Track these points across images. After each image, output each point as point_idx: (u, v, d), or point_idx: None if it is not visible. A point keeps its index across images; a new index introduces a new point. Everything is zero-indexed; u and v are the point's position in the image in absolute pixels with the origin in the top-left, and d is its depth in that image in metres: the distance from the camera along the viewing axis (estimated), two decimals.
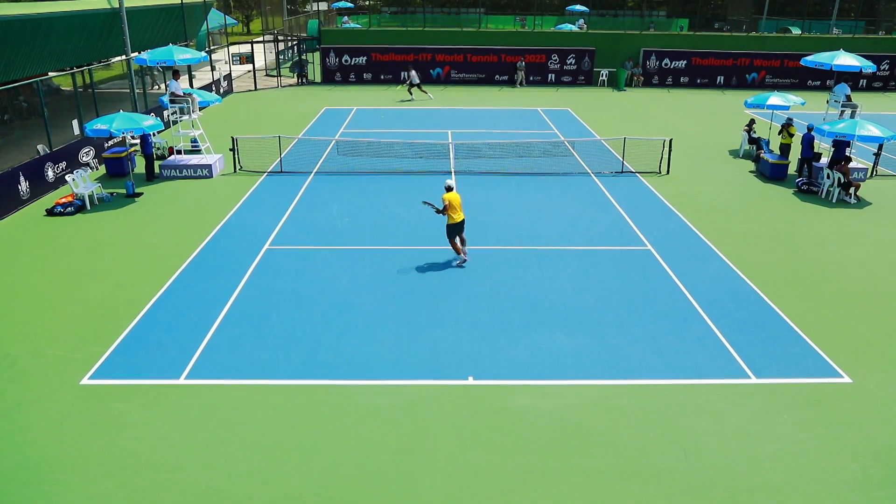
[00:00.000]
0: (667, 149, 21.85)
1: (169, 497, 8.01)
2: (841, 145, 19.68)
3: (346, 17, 49.31)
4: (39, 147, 20.21)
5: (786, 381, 10.41)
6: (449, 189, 14.12)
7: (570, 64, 39.54)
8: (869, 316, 12.53)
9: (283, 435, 9.11)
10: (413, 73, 34.19)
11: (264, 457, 8.70)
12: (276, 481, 8.29)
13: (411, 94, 34.60)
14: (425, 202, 14.55)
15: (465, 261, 14.52)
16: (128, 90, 26.52)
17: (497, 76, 39.54)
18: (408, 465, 8.60)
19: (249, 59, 41.79)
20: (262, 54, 46.50)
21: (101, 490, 8.10)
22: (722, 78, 39.53)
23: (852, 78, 37.11)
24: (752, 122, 24.27)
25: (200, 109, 22.74)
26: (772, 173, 21.25)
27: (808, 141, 20.58)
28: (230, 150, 21.82)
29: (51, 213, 17.46)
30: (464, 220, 14.26)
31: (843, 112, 22.32)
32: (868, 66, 22.59)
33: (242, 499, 8.00)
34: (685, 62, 39.47)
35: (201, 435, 9.09)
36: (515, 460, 8.69)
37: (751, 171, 22.13)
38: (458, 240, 14.36)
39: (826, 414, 9.67)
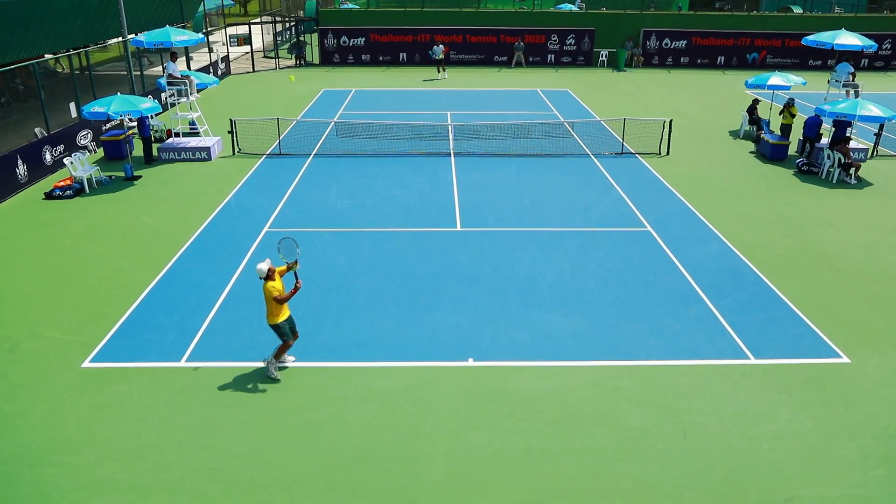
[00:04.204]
0: (667, 130, 21.75)
1: (171, 478, 8.07)
2: (841, 125, 19.57)
3: None
4: (37, 130, 20.11)
5: (784, 362, 10.44)
6: (265, 275, 9.53)
7: (570, 44, 39.23)
8: (868, 296, 12.54)
9: (284, 416, 9.16)
10: (437, 48, 34.99)
11: (265, 438, 8.75)
12: (278, 462, 8.35)
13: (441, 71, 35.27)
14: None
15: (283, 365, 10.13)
16: (125, 72, 26.34)
17: (496, 57, 39.22)
18: (408, 445, 8.65)
19: (247, 40, 41.43)
20: (260, 36, 46.14)
21: (103, 472, 8.16)
22: (722, 58, 39.22)
23: (854, 57, 36.88)
24: (757, 101, 24.11)
25: (198, 92, 22.61)
26: (772, 154, 21.16)
27: (812, 123, 20.41)
28: (228, 132, 21.72)
29: (49, 196, 17.41)
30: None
31: (847, 92, 22.22)
32: (870, 46, 22.43)
33: (244, 480, 8.06)
34: (685, 42, 39.14)
35: (202, 417, 9.13)
36: (515, 441, 8.74)
37: (751, 152, 22.04)
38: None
39: (824, 394, 9.71)
